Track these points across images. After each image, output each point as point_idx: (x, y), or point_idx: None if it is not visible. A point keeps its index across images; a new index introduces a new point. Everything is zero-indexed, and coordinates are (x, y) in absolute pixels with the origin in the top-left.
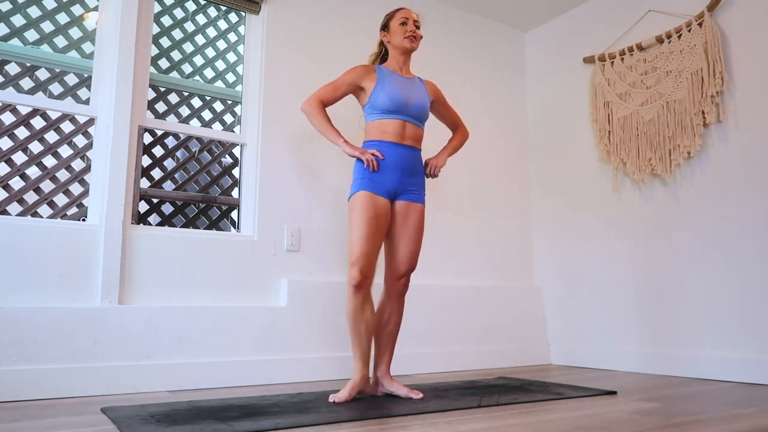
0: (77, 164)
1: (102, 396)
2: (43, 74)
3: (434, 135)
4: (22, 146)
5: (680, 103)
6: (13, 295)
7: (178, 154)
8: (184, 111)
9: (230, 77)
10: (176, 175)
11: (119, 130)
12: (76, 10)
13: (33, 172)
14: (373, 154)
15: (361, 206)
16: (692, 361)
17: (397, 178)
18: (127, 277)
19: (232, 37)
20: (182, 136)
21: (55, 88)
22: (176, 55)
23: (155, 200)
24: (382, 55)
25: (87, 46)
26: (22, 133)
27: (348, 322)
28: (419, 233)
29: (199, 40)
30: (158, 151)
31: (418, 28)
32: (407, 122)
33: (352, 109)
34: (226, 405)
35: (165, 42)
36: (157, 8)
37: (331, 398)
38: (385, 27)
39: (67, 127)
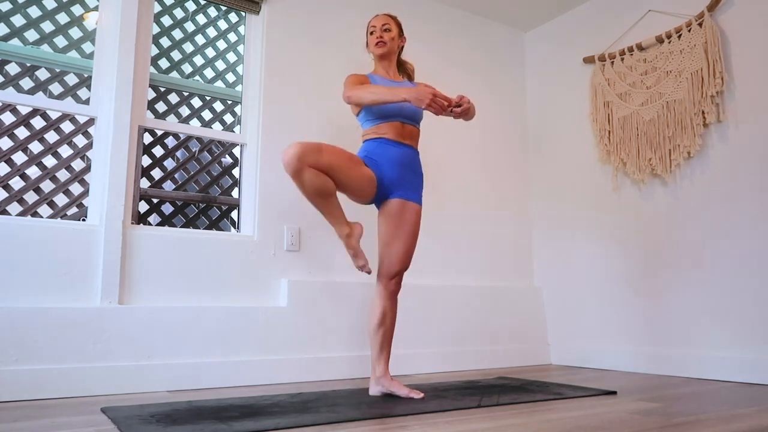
0: (77, 164)
1: (102, 396)
2: (43, 74)
3: (434, 135)
4: (22, 146)
5: (680, 103)
6: (13, 295)
7: (178, 154)
8: (184, 111)
9: (230, 77)
10: (176, 175)
11: (119, 130)
12: (76, 10)
13: (33, 172)
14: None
15: (348, 151)
16: (692, 361)
17: (396, 173)
18: (127, 277)
19: (232, 37)
20: (182, 136)
21: (55, 88)
22: (176, 55)
23: (155, 200)
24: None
25: (87, 46)
26: (22, 133)
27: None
28: (414, 233)
29: (199, 40)
30: (158, 151)
31: (387, 31)
32: (405, 123)
33: (348, 114)
34: (226, 405)
35: (165, 42)
36: (157, 8)
37: (360, 269)
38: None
39: (67, 127)
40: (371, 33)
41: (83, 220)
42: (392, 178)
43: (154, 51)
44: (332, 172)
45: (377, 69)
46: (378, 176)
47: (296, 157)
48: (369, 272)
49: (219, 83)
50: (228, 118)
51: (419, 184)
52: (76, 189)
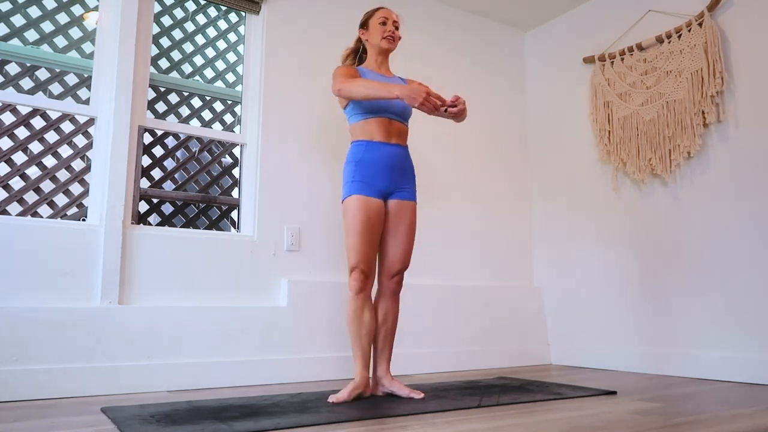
0: (77, 164)
1: (102, 396)
2: (43, 74)
3: (434, 135)
4: (22, 146)
5: (680, 103)
6: (13, 295)
7: (178, 154)
8: (184, 111)
9: (230, 77)
10: (176, 175)
11: (119, 130)
12: (76, 10)
13: (33, 172)
14: (426, 99)
15: (355, 210)
16: (692, 361)
17: (388, 178)
18: (127, 277)
19: (232, 37)
20: (182, 136)
21: (55, 88)
22: (176, 55)
23: (155, 200)
24: (360, 54)
25: (87, 46)
26: (22, 133)
27: (348, 325)
28: (412, 231)
29: (199, 40)
30: (158, 151)
31: (397, 28)
32: (392, 120)
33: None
34: (226, 405)
35: (165, 42)
36: (157, 8)
37: (331, 399)
38: (364, 25)
39: (67, 127)
40: (382, 23)
41: (83, 220)
42: (387, 184)
43: (154, 51)
44: (377, 247)
45: (369, 62)
46: (380, 197)
47: (368, 276)
48: (332, 402)
49: (219, 83)
50: (228, 118)
51: (411, 181)
52: (76, 189)
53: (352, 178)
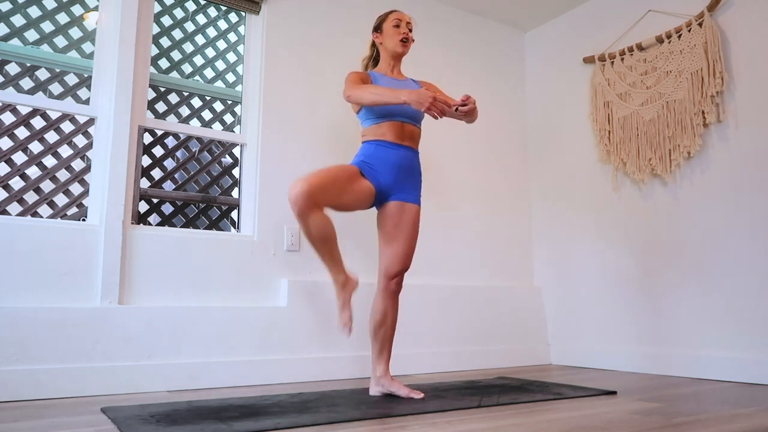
0: (77, 164)
1: (102, 396)
2: (43, 74)
3: (434, 135)
4: (22, 146)
5: (680, 103)
6: (13, 295)
7: (178, 154)
8: (184, 111)
9: (230, 77)
10: (176, 175)
11: (119, 130)
12: (76, 10)
13: (33, 172)
14: (432, 105)
15: (343, 167)
16: (692, 361)
17: (393, 177)
18: (127, 277)
19: (232, 37)
20: (182, 136)
21: (55, 88)
22: (176, 55)
23: (155, 200)
24: (374, 58)
25: (87, 46)
26: (22, 133)
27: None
28: (413, 234)
29: (199, 40)
30: (158, 151)
31: (410, 30)
32: (405, 123)
33: (347, 113)
34: (226, 405)
35: (165, 42)
36: (157, 8)
37: (342, 326)
38: (377, 29)
39: (67, 127)
40: (396, 26)
41: (83, 220)
42: (390, 182)
43: (154, 51)
44: (338, 201)
45: (381, 66)
46: (376, 185)
47: (304, 196)
48: (349, 333)
49: (219, 83)
50: (228, 118)
51: (417, 185)
52: (76, 189)
53: (361, 158)
